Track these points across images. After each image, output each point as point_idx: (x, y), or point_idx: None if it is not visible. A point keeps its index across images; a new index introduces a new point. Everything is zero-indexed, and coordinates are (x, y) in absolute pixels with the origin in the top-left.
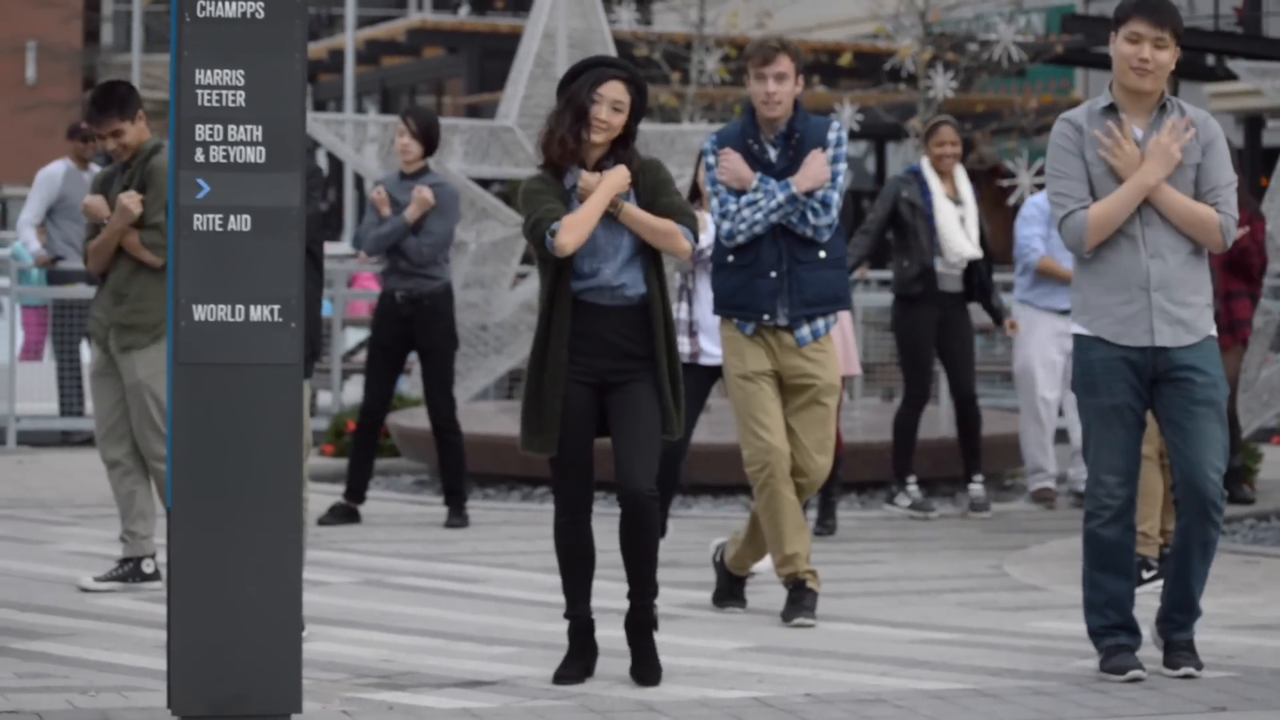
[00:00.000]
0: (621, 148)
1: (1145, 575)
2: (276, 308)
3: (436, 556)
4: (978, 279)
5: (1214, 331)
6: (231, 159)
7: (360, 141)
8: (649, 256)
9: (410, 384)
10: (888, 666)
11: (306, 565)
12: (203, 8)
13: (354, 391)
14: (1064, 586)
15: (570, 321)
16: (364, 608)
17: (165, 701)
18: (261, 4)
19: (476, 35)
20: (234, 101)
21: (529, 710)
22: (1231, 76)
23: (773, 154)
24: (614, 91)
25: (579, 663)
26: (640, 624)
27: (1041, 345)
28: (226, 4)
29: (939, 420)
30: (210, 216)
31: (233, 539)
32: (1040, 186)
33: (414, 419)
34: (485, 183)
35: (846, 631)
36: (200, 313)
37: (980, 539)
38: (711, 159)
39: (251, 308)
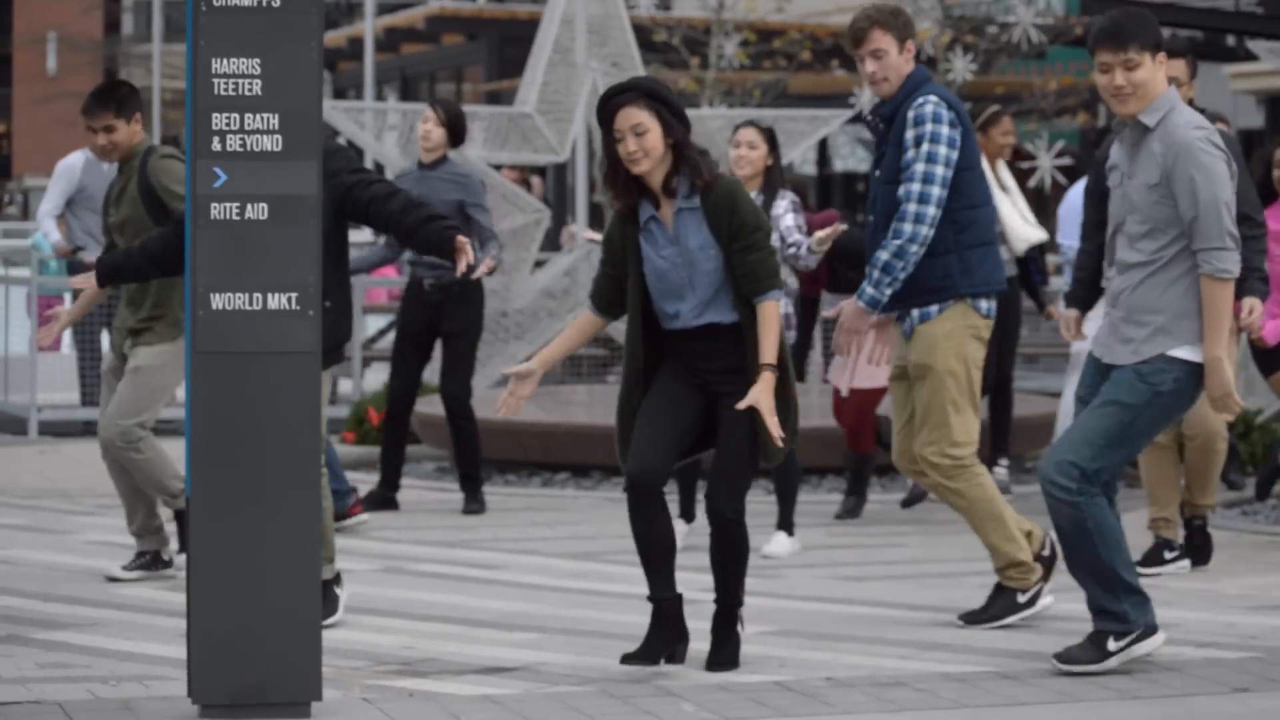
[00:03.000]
0: (682, 160)
1: (1167, 556)
2: (294, 295)
3: (457, 543)
4: (1035, 265)
5: (1171, 351)
6: (248, 147)
7: (380, 129)
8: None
9: (430, 371)
10: (909, 650)
11: None
12: None
13: (374, 379)
14: None
15: (646, 347)
16: (384, 595)
17: (186, 690)
18: None
19: (496, 22)
20: (250, 90)
21: (550, 696)
22: (1252, 57)
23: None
24: (627, 120)
25: (650, 646)
26: (719, 620)
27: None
28: None
29: None
30: (227, 205)
31: (252, 527)
32: (1060, 168)
33: (434, 405)
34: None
35: (868, 615)
36: (218, 301)
37: None
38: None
39: (269, 296)
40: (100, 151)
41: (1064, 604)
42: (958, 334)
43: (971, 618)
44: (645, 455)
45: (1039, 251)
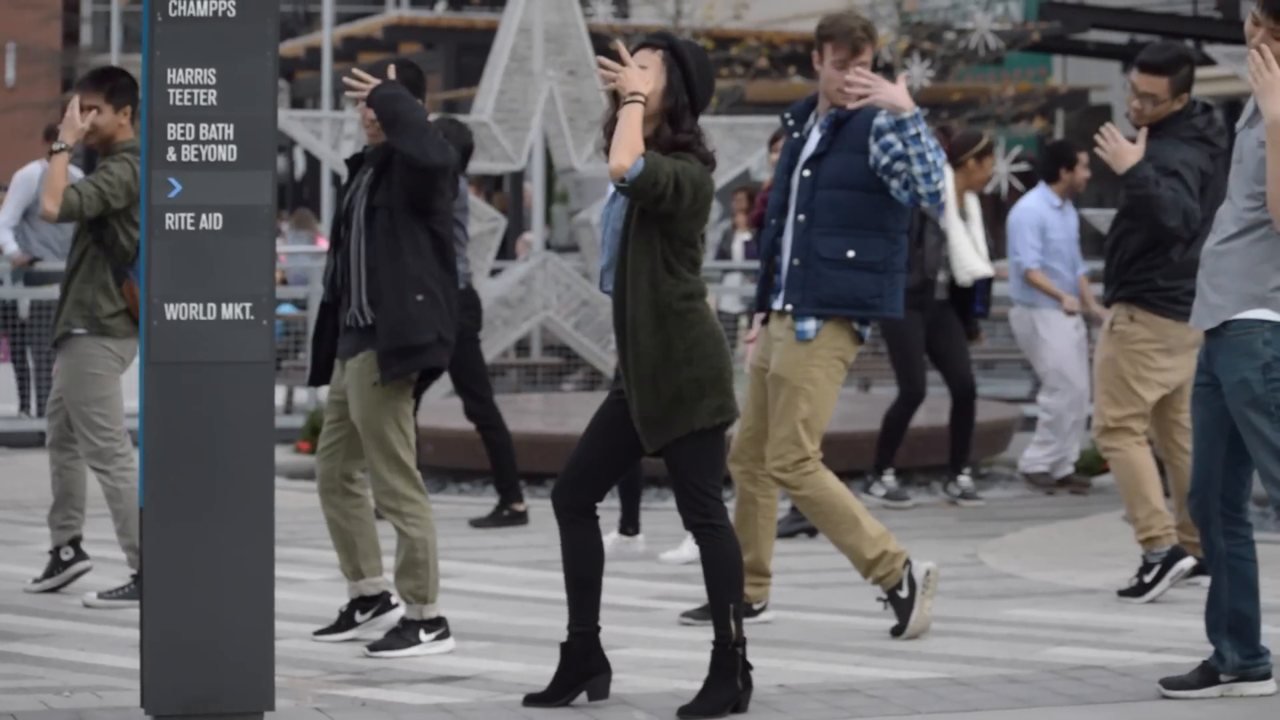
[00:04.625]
0: (670, 128)
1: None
2: (248, 305)
3: None
4: (980, 296)
5: (1244, 313)
6: (203, 158)
7: (337, 138)
8: (632, 252)
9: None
10: (862, 656)
11: (280, 562)
12: (174, 7)
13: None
14: (1039, 574)
15: None
16: (337, 605)
17: (139, 701)
18: (233, 3)
19: (453, 31)
20: (205, 100)
21: (502, 705)
22: (1210, 61)
23: (815, 138)
24: (638, 59)
25: (556, 685)
26: (712, 657)
27: (1066, 338)
28: (198, 3)
29: (918, 411)
30: (182, 215)
31: (205, 537)
32: (1017, 174)
33: None
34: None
35: (821, 622)
36: (172, 311)
37: (956, 527)
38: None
39: (223, 306)
40: (85, 135)
41: (1022, 610)
42: (824, 351)
43: (894, 631)
44: (562, 478)
45: (986, 284)
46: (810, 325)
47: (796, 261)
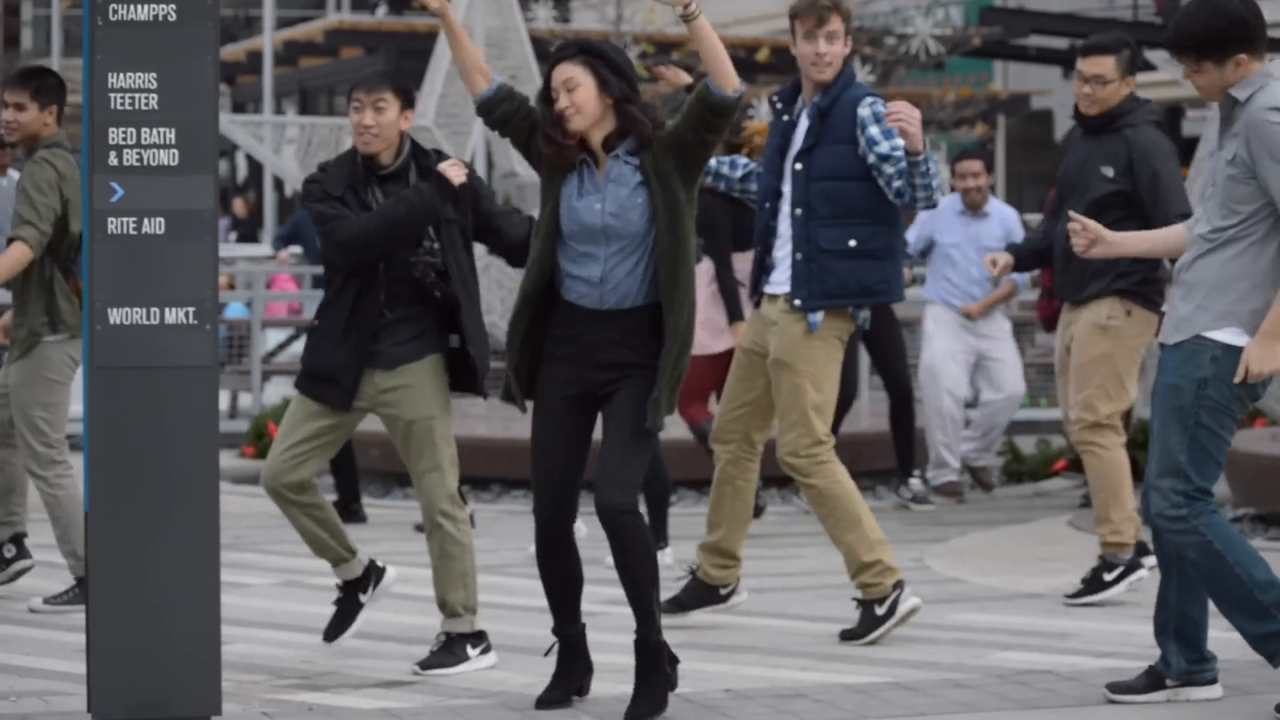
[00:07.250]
0: (624, 117)
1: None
2: (191, 310)
3: None
4: None
5: (1206, 332)
6: (145, 162)
7: (278, 143)
8: (667, 251)
9: None
10: (808, 661)
11: (226, 567)
12: (115, 11)
13: (273, 393)
14: (984, 579)
15: (549, 318)
16: (284, 609)
17: (86, 705)
18: (173, 6)
19: (394, 35)
20: (147, 104)
21: (449, 709)
22: (1151, 67)
23: (803, 126)
24: (560, 75)
25: (563, 684)
26: (640, 656)
27: (947, 340)
28: (139, 7)
29: (860, 415)
30: (124, 220)
31: (151, 542)
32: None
33: None
34: None
35: (767, 626)
36: (115, 316)
37: (901, 532)
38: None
39: (166, 310)
40: (5, 127)
41: (967, 614)
42: (823, 332)
43: (845, 634)
44: (550, 502)
45: None
46: (819, 316)
47: (800, 256)
